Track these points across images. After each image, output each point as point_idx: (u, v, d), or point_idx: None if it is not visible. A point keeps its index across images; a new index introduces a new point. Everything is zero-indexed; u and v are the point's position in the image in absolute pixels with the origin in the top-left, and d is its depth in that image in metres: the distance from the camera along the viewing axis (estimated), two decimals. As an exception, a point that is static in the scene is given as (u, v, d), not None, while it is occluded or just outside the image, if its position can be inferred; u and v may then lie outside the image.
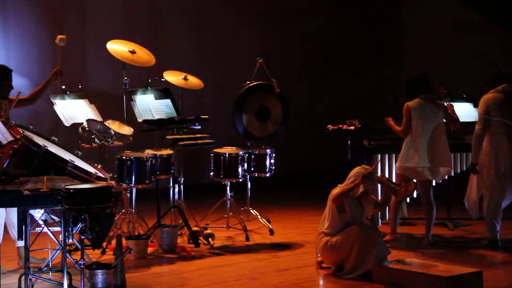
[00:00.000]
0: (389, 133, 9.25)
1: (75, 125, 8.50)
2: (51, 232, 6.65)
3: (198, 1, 12.25)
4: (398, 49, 14.08)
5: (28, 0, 10.88)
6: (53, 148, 7.21)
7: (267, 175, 9.16)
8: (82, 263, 6.41)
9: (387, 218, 8.95)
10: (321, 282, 7.33)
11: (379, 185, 8.50)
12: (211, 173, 8.95)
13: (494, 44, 13.20)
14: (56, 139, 7.71)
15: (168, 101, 9.03)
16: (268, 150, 9.08)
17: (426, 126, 8.45)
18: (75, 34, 11.09)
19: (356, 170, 7.53)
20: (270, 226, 9.20)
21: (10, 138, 7.06)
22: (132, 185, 8.29)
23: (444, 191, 9.56)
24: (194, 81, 9.21)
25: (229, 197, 9.08)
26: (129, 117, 8.84)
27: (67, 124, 8.57)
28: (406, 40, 14.10)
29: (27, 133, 7.14)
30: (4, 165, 6.91)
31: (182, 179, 8.86)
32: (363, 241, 7.19)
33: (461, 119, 9.63)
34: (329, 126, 9.53)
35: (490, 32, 13.03)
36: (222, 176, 8.87)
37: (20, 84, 10.64)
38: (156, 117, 8.80)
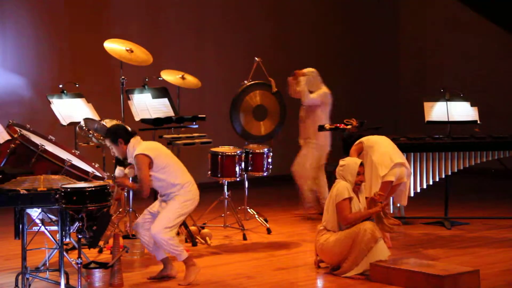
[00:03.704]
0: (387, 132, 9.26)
1: (72, 124, 8.50)
2: (48, 231, 6.65)
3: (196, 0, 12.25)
4: (397, 48, 14.09)
5: (26, 0, 10.87)
6: (50, 147, 7.21)
7: (264, 174, 9.18)
8: (79, 262, 6.41)
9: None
10: (318, 281, 7.33)
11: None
12: (209, 172, 8.95)
13: (493, 43, 13.21)
14: (53, 138, 7.71)
15: (165, 100, 9.03)
16: (265, 149, 9.08)
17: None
18: (73, 33, 11.09)
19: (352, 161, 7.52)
20: (268, 225, 9.20)
21: (7, 137, 7.06)
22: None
23: (441, 191, 9.57)
24: (191, 80, 9.22)
25: (226, 196, 9.08)
26: (126, 116, 8.84)
27: (64, 123, 8.57)
28: (405, 39, 14.11)
29: (24, 132, 7.13)
30: (1, 164, 6.91)
31: (180, 178, 8.86)
32: (362, 241, 7.18)
33: (459, 119, 9.67)
34: (326, 125, 9.54)
35: (488, 31, 13.03)
36: (219, 175, 8.87)
37: (17, 84, 10.67)
38: (154, 116, 8.80)
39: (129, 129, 7.32)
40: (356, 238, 7.21)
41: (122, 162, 7.50)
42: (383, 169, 8.20)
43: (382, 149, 8.33)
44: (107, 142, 7.24)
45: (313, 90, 9.76)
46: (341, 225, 7.34)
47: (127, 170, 7.25)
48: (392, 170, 8.24)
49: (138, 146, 7.13)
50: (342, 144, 8.66)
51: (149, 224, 7.14)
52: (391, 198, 8.74)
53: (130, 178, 7.29)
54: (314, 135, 9.74)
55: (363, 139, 8.47)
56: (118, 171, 7.16)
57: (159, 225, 7.02)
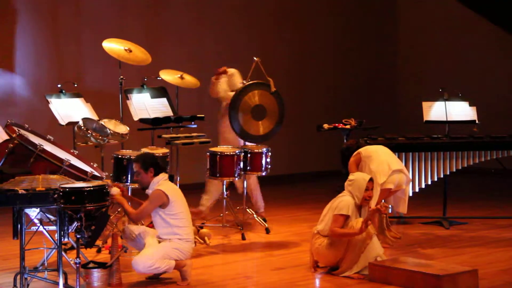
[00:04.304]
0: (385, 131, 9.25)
1: (71, 124, 8.50)
2: (47, 231, 6.65)
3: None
4: (396, 47, 14.09)
5: (26, 0, 10.87)
6: (49, 147, 7.21)
7: (263, 174, 9.17)
8: (77, 262, 6.41)
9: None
10: (316, 281, 7.33)
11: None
12: (207, 172, 8.95)
13: (493, 43, 13.21)
14: (52, 138, 7.71)
15: (164, 100, 9.03)
16: (264, 149, 9.08)
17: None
18: (71, 32, 11.09)
19: (361, 177, 7.48)
20: (266, 225, 9.20)
21: (6, 137, 7.05)
22: (128, 184, 8.28)
23: (439, 190, 9.57)
24: (190, 80, 9.22)
25: (225, 196, 9.08)
26: (125, 116, 8.84)
27: (62, 123, 8.57)
28: (404, 38, 14.11)
29: (22, 132, 7.13)
30: (-1, 164, 6.91)
31: (178, 177, 8.86)
32: (359, 239, 7.19)
33: (457, 118, 9.67)
34: (324, 125, 9.53)
35: (488, 31, 13.03)
36: (218, 175, 8.86)
37: (16, 84, 10.67)
38: (152, 115, 8.80)
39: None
40: (350, 239, 7.21)
41: (120, 178, 7.49)
42: (381, 177, 8.21)
43: (380, 158, 8.34)
44: (135, 167, 7.23)
45: (233, 90, 9.53)
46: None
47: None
48: (390, 177, 8.25)
49: (163, 183, 7.15)
50: (340, 157, 8.64)
51: (136, 242, 7.20)
52: (390, 206, 8.75)
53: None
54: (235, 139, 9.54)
55: (361, 150, 8.47)
56: (114, 190, 7.12)
57: (141, 259, 6.94)
